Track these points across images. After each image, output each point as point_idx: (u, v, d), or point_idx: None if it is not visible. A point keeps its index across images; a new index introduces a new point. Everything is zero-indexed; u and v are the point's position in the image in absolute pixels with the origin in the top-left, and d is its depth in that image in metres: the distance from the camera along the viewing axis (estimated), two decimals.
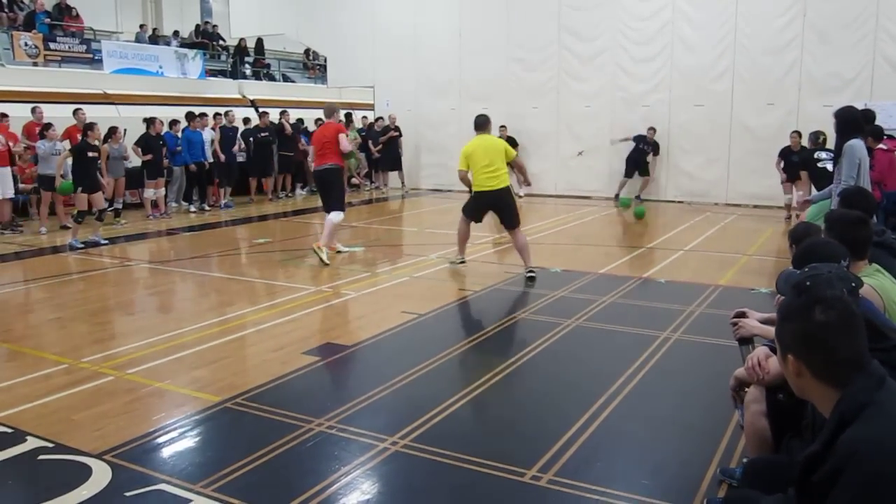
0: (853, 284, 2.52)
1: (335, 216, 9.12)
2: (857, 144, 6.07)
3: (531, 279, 7.90)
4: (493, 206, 8.20)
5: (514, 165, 8.58)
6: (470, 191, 8.36)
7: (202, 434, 4.20)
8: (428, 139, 18.02)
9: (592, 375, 5.17)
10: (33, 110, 12.67)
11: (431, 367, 5.24)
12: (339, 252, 9.56)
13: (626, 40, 15.37)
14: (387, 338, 6.02)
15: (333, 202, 9.19)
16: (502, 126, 15.08)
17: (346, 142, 9.15)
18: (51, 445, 3.95)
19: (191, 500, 3.38)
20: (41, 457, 3.84)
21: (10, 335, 6.24)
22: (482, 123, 8.42)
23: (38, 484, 3.57)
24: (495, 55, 16.71)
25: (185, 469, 3.71)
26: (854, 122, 6.30)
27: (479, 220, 8.52)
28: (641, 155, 15.00)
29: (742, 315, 3.50)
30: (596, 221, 12.95)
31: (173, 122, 14.13)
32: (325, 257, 8.81)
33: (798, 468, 1.86)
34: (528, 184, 8.87)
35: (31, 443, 3.98)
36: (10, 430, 4.13)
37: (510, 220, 8.14)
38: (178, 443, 4.07)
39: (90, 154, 10.64)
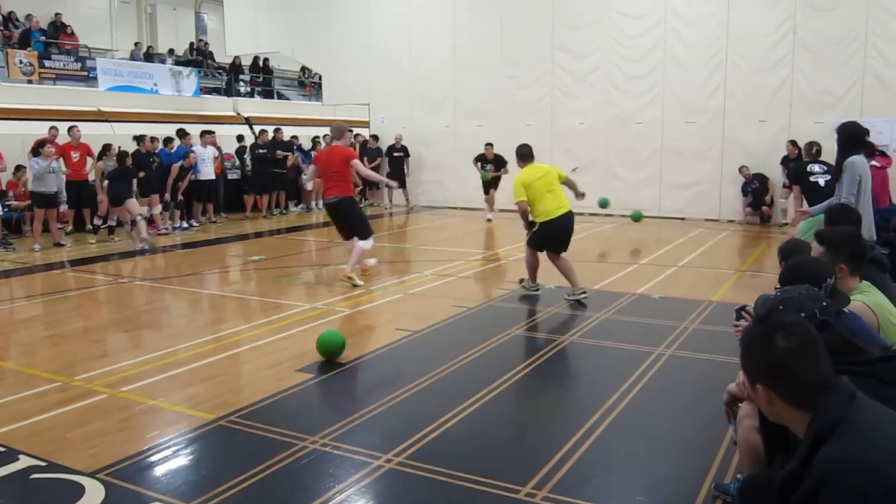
0: (824, 304, 2.55)
1: (364, 244, 8.67)
2: (858, 161, 6.09)
3: (580, 302, 7.65)
4: (565, 231, 7.78)
5: (567, 184, 8.10)
6: (530, 224, 7.82)
7: (196, 452, 4.19)
8: (423, 156, 18.08)
9: (587, 392, 5.18)
10: (70, 130, 13.00)
11: (425, 384, 5.24)
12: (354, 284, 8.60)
13: (619, 58, 15.48)
14: (381, 355, 6.02)
15: (355, 229, 8.76)
16: (489, 144, 15.17)
17: (365, 168, 8.87)
18: (43, 464, 3.92)
19: None
20: (34, 475, 3.82)
21: (2, 353, 6.22)
22: (527, 154, 7.90)
23: (33, 503, 3.55)
24: (489, 72, 16.83)
25: (179, 487, 3.69)
26: (856, 137, 6.30)
27: (546, 249, 7.89)
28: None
29: (744, 311, 3.44)
30: (590, 238, 12.98)
31: (168, 140, 14.19)
32: (357, 281, 8.57)
33: (776, 489, 1.87)
34: (582, 195, 8.29)
35: (24, 461, 3.96)
36: (2, 449, 4.10)
37: (567, 246, 7.86)
38: (173, 461, 4.06)
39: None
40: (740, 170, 14.17)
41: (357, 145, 17.19)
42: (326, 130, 18.49)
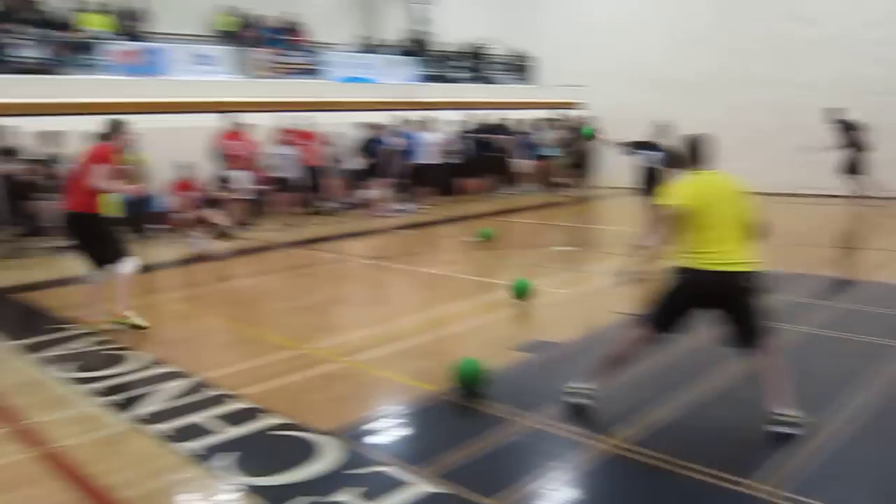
0: None
1: (123, 268, 6.46)
2: None
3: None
4: None
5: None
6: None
7: (422, 421, 4.40)
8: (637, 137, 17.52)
9: (823, 386, 4.77)
10: (303, 119, 13.98)
11: (646, 368, 5.08)
12: (132, 324, 6.47)
13: (858, 22, 14.00)
14: (597, 337, 5.94)
15: (106, 254, 6.45)
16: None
17: (101, 176, 6.15)
18: (289, 422, 4.31)
19: (412, 483, 3.54)
20: (280, 432, 4.21)
21: (250, 321, 6.91)
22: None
23: (277, 456, 3.91)
24: (709, 46, 15.93)
25: (406, 453, 3.90)
26: None
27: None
28: None
29: None
30: (818, 219, 11.94)
31: (382, 126, 14.98)
32: (138, 321, 6.46)
33: None
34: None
35: (273, 419, 4.38)
36: (255, 407, 4.56)
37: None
38: (401, 428, 4.31)
39: None
40: None
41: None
42: (542, 113, 18.59)
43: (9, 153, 11.08)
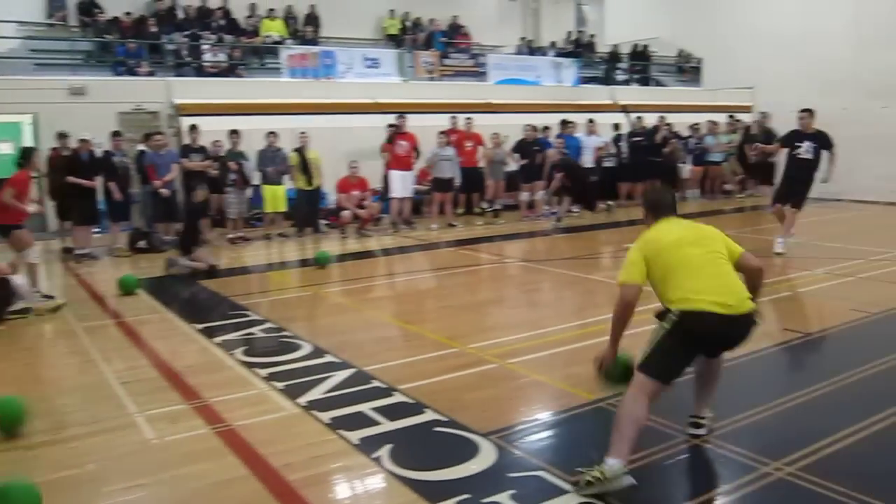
0: None
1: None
2: None
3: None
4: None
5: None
6: None
7: (578, 429, 4.34)
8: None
9: None
10: (464, 121, 14.29)
11: (819, 392, 4.77)
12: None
13: None
14: (767, 355, 5.60)
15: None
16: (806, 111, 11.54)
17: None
18: (445, 419, 4.38)
19: (568, 491, 3.50)
20: (436, 428, 4.29)
21: (411, 318, 7.10)
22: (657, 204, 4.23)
23: (433, 452, 3.98)
24: None
25: (563, 460, 3.85)
26: None
27: None
28: None
29: None
30: None
31: (545, 128, 14.89)
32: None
33: None
34: None
35: (429, 414, 4.47)
36: (412, 402, 4.68)
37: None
38: (557, 434, 4.27)
39: None
40: None
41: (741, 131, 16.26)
42: (706, 116, 17.82)
43: (195, 150, 12.00)
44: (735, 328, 3.73)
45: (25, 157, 8.17)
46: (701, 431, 4.10)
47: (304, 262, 10.23)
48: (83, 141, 10.88)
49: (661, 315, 3.83)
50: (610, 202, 15.03)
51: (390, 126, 13.54)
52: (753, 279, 3.97)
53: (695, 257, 3.81)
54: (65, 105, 12.68)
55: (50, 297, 7.71)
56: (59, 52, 15.24)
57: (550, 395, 4.90)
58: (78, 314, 7.37)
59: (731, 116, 17.43)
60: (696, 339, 3.73)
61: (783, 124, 16.14)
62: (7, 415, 4.37)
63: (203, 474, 3.78)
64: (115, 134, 11.68)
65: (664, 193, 4.24)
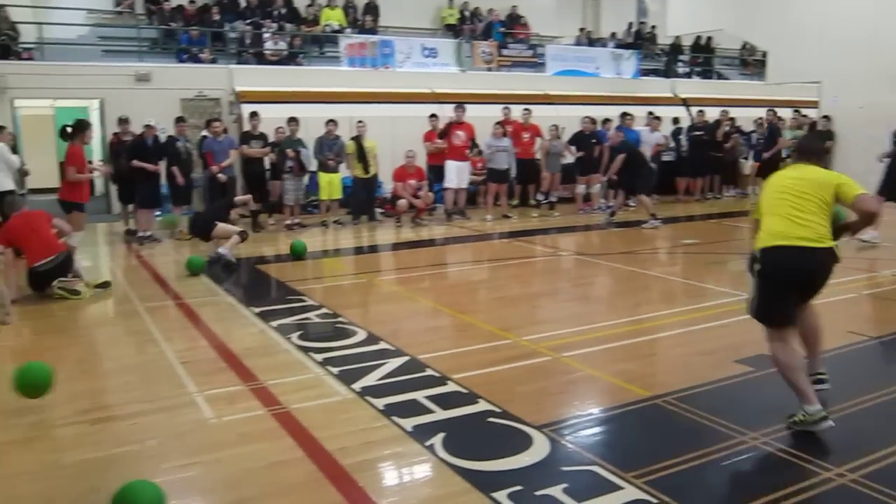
0: None
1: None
2: None
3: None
4: None
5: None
6: None
7: (632, 425, 4.28)
8: (882, 139, 15.85)
9: None
10: (522, 112, 14.03)
11: (884, 398, 4.62)
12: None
13: None
14: (830, 358, 5.43)
15: None
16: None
17: None
18: (498, 410, 4.37)
19: (622, 487, 3.46)
20: (490, 419, 4.28)
21: (464, 308, 7.10)
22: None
23: (488, 443, 3.97)
24: None
25: (616, 456, 3.80)
26: None
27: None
28: None
29: None
30: None
31: (605, 121, 14.68)
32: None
33: None
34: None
35: (482, 405, 4.46)
36: (465, 391, 4.68)
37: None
38: (610, 429, 4.23)
39: None
40: None
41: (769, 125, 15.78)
42: (765, 112, 17.35)
43: (255, 137, 12.20)
44: (806, 260, 3.94)
45: (79, 129, 8.32)
46: (825, 386, 4.45)
47: (358, 250, 10.33)
48: (148, 126, 11.16)
49: (751, 263, 4.15)
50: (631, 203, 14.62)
51: (432, 116, 13.46)
52: (864, 220, 4.17)
53: (777, 200, 4.07)
54: (130, 91, 13.03)
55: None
56: (126, 39, 15.65)
57: (604, 389, 4.84)
58: (141, 294, 7.58)
59: (796, 111, 16.93)
60: (777, 274, 4.01)
61: (846, 123, 15.73)
62: (31, 381, 4.50)
63: (259, 454, 3.85)
64: (179, 119, 11.94)
65: (810, 140, 4.90)
